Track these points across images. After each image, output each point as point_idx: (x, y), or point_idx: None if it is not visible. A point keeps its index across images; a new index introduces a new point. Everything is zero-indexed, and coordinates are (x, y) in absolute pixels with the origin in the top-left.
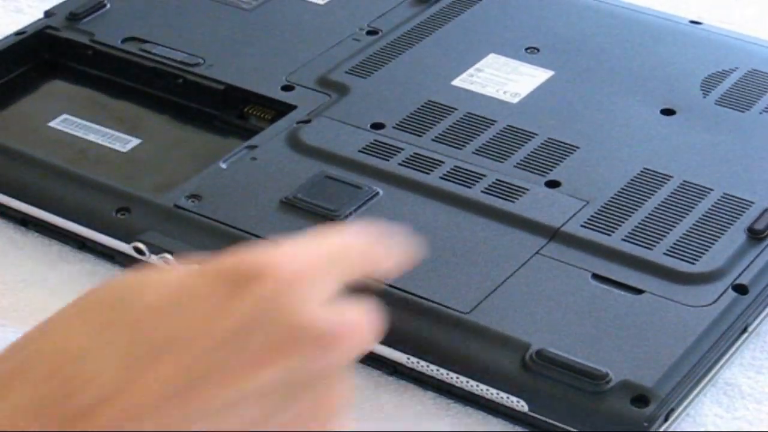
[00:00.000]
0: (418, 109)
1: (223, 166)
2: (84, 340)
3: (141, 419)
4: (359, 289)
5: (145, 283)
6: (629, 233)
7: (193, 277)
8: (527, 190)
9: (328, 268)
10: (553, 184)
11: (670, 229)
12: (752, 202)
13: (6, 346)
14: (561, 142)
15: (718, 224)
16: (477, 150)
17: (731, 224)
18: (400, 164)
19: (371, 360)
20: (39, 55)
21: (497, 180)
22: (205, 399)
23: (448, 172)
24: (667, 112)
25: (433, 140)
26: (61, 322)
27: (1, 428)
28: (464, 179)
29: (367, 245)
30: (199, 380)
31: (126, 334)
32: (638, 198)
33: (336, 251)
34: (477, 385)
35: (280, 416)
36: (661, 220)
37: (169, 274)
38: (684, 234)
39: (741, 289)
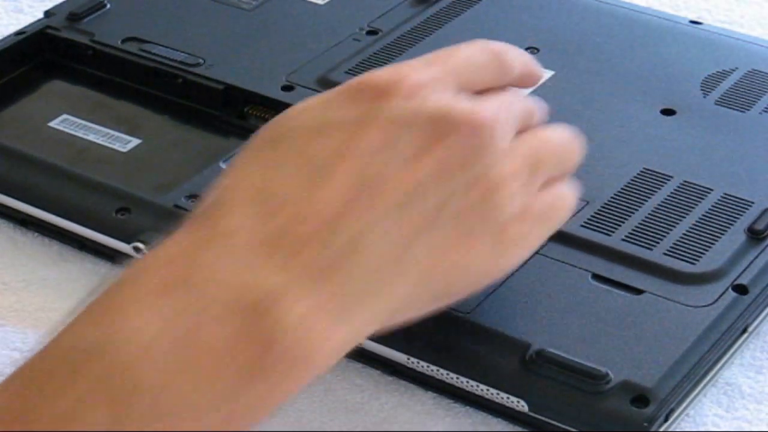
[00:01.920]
0: None
1: (223, 166)
2: (266, 173)
3: (333, 227)
4: None
5: (294, 115)
6: (629, 233)
7: (332, 99)
8: None
9: (448, 75)
10: None
11: (670, 229)
12: (752, 202)
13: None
14: None
15: (718, 224)
16: None
17: (731, 224)
18: None
19: (371, 360)
20: (39, 55)
21: None
22: (385, 195)
23: None
24: (667, 112)
25: None
26: (240, 167)
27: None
28: None
29: (488, 56)
30: (375, 178)
31: (297, 158)
32: (638, 198)
33: (452, 63)
34: (477, 385)
35: (455, 202)
36: (661, 220)
37: (310, 102)
38: (684, 234)
39: (741, 289)
